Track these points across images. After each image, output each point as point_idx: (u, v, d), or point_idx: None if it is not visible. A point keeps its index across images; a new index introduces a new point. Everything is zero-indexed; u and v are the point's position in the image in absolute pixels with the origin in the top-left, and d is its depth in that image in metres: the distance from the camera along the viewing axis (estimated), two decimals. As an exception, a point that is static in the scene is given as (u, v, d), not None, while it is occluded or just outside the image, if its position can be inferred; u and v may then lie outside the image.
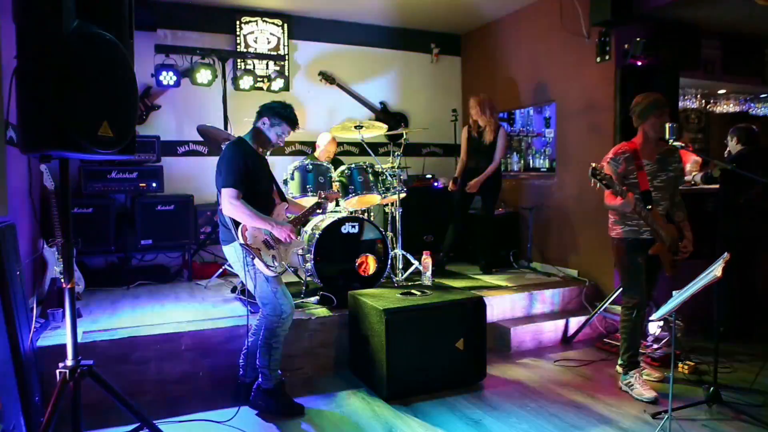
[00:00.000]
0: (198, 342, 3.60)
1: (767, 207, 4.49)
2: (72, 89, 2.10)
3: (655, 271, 3.68)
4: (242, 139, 3.26)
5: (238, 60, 6.05)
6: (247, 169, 3.09)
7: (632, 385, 3.53)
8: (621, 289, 3.69)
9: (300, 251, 4.60)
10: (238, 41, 6.10)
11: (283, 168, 4.69)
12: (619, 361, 3.69)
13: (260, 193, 3.21)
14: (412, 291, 3.88)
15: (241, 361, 3.45)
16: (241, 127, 5.52)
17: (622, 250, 3.60)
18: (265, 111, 3.25)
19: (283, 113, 3.25)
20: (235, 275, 4.74)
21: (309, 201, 4.40)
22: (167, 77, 5.35)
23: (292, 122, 3.29)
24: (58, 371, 2.40)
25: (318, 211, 3.49)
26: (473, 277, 5.35)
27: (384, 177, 4.73)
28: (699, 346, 4.21)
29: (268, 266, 3.09)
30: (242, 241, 3.06)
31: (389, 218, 5.08)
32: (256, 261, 3.08)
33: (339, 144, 6.28)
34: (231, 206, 3.01)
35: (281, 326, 3.21)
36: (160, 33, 5.73)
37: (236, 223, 3.08)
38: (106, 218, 4.99)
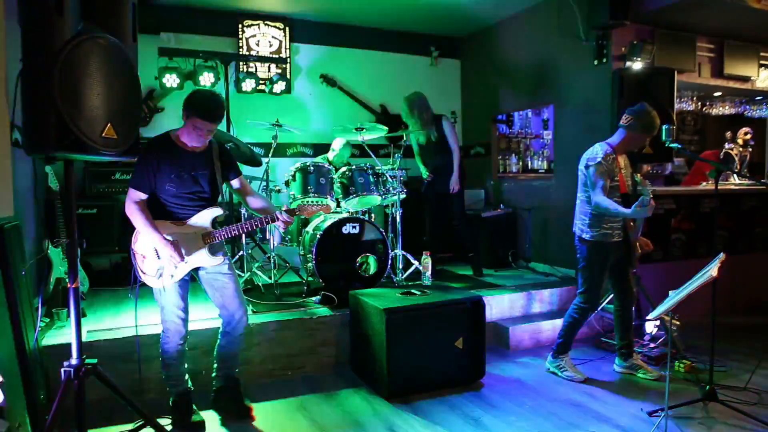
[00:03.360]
0: (200, 341, 3.64)
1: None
2: (76, 91, 2.13)
3: (626, 269, 3.79)
4: (166, 134, 2.97)
5: (241, 63, 6.09)
6: (154, 169, 2.85)
7: (563, 367, 3.82)
8: (581, 289, 3.76)
9: (301, 251, 4.63)
10: (241, 44, 6.16)
11: (284, 169, 4.74)
12: (553, 347, 3.92)
13: (174, 195, 2.92)
14: (412, 291, 3.92)
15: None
16: (243, 129, 5.58)
17: (595, 253, 3.66)
18: (184, 104, 2.88)
19: (191, 102, 2.84)
20: (239, 274, 4.77)
21: (310, 202, 4.46)
22: (170, 80, 5.40)
23: (202, 113, 2.81)
24: (62, 370, 2.43)
25: (267, 223, 3.04)
26: (473, 277, 5.39)
27: (384, 178, 4.77)
28: (695, 345, 4.24)
29: (142, 272, 2.93)
30: (132, 244, 2.96)
31: (389, 219, 5.12)
32: (138, 266, 2.93)
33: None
34: (127, 207, 2.85)
35: (168, 342, 3.01)
36: (164, 36, 5.78)
37: None
38: (110, 219, 5.04)
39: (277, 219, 2.99)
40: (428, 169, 5.40)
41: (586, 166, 3.61)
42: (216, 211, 3.01)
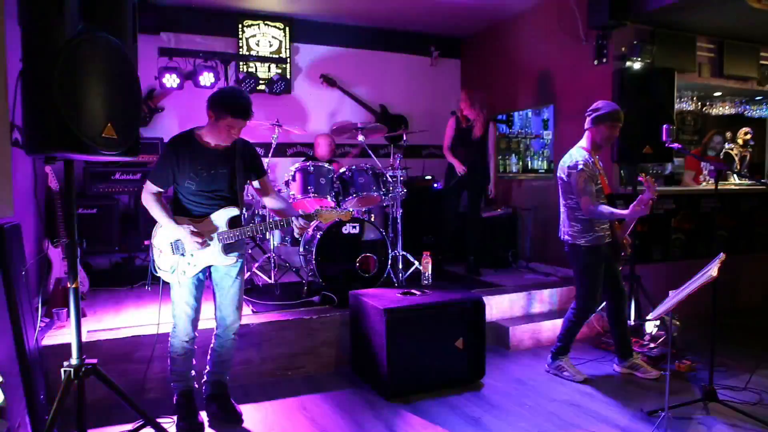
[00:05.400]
0: (201, 340, 3.63)
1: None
2: (76, 91, 2.13)
3: (616, 269, 3.82)
4: (189, 131, 2.99)
5: (241, 63, 6.10)
6: (174, 165, 2.88)
7: (563, 368, 3.83)
8: (580, 295, 3.76)
9: (302, 251, 4.63)
10: (241, 44, 6.16)
11: (284, 169, 4.74)
12: (552, 349, 3.92)
13: (193, 192, 2.95)
14: (412, 291, 3.92)
15: None
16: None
17: (592, 257, 3.67)
18: (208, 102, 2.88)
19: (220, 101, 2.84)
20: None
21: (311, 202, 4.46)
22: (170, 80, 5.39)
23: (235, 111, 2.81)
24: (62, 370, 2.44)
25: (283, 227, 3.07)
26: (473, 277, 5.39)
27: (384, 178, 4.77)
28: (695, 345, 4.25)
29: (158, 267, 2.98)
30: (151, 238, 3.00)
31: (389, 219, 5.12)
32: (154, 260, 2.99)
33: (340, 146, 6.34)
34: (143, 198, 2.92)
35: (174, 337, 3.04)
36: (164, 36, 5.79)
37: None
38: (110, 219, 5.05)
39: (292, 224, 3.00)
40: (459, 160, 5.41)
41: (568, 174, 3.61)
42: (232, 211, 3.01)
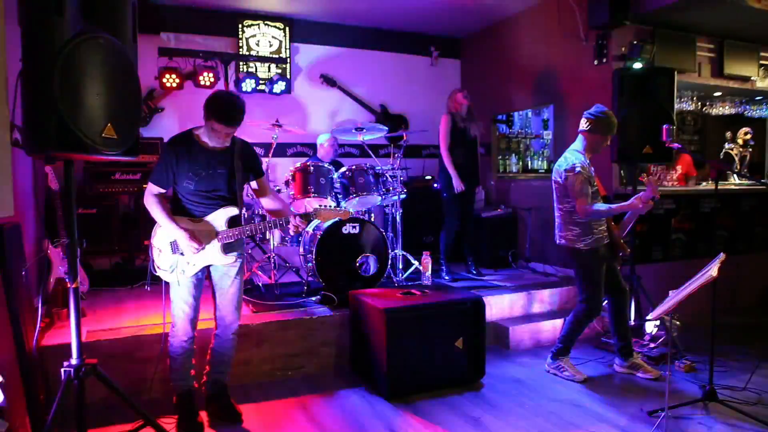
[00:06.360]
0: (200, 340, 3.63)
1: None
2: (76, 91, 2.14)
3: (615, 268, 3.83)
4: (188, 131, 3.01)
5: (241, 63, 6.10)
6: (173, 165, 2.91)
7: (563, 368, 3.81)
8: (584, 298, 3.74)
9: (301, 251, 4.63)
10: (241, 44, 6.16)
11: (284, 169, 4.73)
12: (553, 349, 3.90)
13: (192, 192, 2.96)
14: (412, 291, 3.92)
15: None
16: (243, 128, 5.56)
17: (593, 260, 3.67)
18: (204, 104, 2.88)
19: (211, 104, 2.84)
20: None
21: (311, 202, 4.46)
22: (170, 80, 5.40)
23: (219, 116, 2.82)
24: (62, 370, 2.44)
25: (281, 226, 3.07)
26: (473, 277, 5.39)
27: (384, 178, 4.77)
28: (695, 345, 4.24)
29: (157, 267, 2.99)
30: (150, 238, 3.02)
31: (389, 219, 5.12)
32: (153, 259, 3.00)
33: (340, 146, 6.34)
34: (145, 200, 2.94)
35: (174, 337, 3.04)
36: (164, 36, 5.79)
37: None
38: (110, 219, 5.06)
39: (289, 223, 3.00)
40: (459, 164, 5.30)
41: (564, 178, 3.60)
42: (231, 211, 3.01)
